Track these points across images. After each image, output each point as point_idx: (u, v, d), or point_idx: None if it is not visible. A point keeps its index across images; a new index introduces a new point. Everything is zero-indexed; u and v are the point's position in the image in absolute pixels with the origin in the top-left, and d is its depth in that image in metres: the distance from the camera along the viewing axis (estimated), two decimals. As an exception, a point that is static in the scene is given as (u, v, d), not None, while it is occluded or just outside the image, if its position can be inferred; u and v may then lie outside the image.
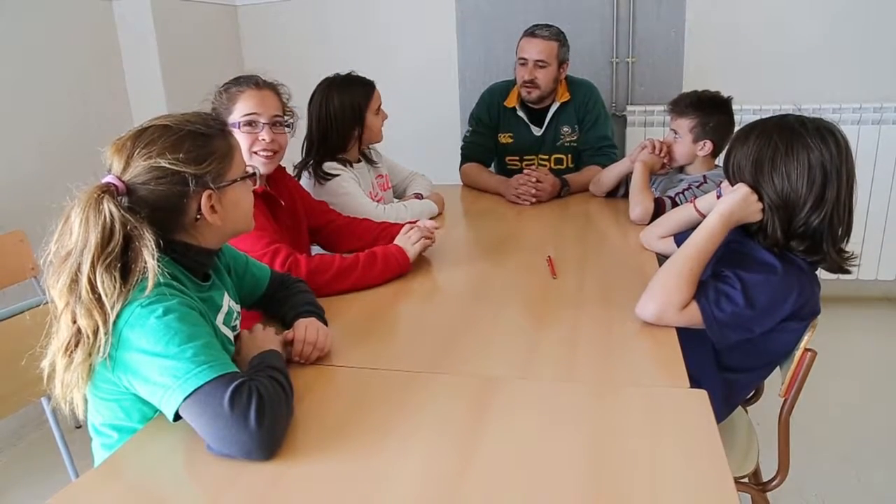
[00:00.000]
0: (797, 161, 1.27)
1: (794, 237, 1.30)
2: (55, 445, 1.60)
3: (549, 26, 2.53)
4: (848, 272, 1.34)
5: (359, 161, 2.24)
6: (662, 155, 2.15)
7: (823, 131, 1.28)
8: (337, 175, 2.07)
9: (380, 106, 2.19)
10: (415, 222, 1.80)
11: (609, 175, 2.40)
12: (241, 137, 1.55)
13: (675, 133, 2.12)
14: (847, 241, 1.33)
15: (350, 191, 2.08)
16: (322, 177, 2.07)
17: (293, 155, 2.00)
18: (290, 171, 1.99)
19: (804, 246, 1.29)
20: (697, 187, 2.06)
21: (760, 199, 1.31)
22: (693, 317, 1.26)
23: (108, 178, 1.03)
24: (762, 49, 3.06)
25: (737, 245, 1.39)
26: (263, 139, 1.61)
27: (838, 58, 3.02)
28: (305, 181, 2.11)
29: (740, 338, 1.29)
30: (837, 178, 1.26)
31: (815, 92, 3.01)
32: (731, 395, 1.46)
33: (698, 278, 1.30)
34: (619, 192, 2.41)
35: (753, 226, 1.34)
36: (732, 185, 1.37)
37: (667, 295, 1.27)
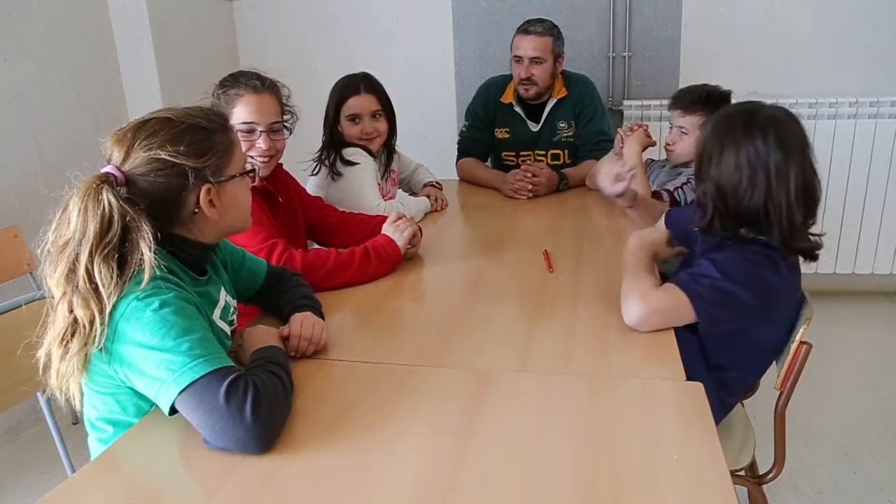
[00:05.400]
0: (735, 152, 1.29)
1: (738, 221, 1.31)
2: (52, 441, 1.60)
3: (541, 21, 2.52)
4: (812, 258, 1.34)
5: (375, 157, 2.25)
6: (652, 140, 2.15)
7: (767, 122, 1.29)
8: (357, 164, 2.10)
9: (357, 116, 2.14)
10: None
11: (600, 168, 2.38)
12: None
13: (683, 130, 2.07)
14: (811, 224, 1.32)
15: (364, 178, 2.10)
16: (337, 171, 2.11)
17: (294, 155, 2.00)
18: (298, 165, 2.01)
19: (753, 232, 1.31)
20: None
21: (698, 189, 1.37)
22: (676, 299, 1.25)
23: (108, 168, 1.03)
24: (758, 43, 3.06)
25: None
26: (260, 146, 1.61)
27: (835, 52, 3.02)
28: (323, 173, 2.15)
29: (731, 317, 1.28)
30: (774, 168, 1.26)
31: (812, 86, 3.01)
32: (725, 395, 1.46)
33: (651, 268, 1.35)
34: None
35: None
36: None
37: (637, 287, 1.29)
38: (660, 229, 1.54)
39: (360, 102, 2.14)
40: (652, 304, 1.25)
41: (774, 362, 1.45)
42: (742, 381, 1.50)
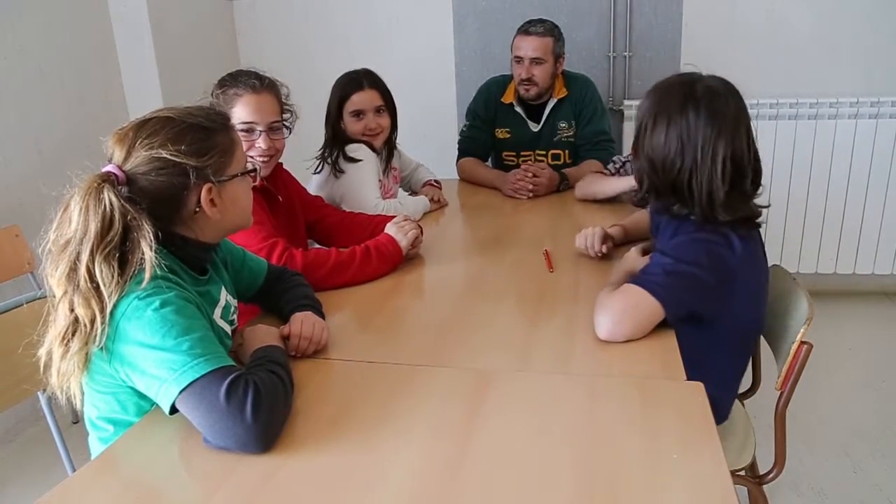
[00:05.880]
0: (667, 125, 1.29)
1: (669, 195, 1.32)
2: (52, 441, 1.60)
3: (542, 21, 2.52)
4: (755, 226, 1.34)
5: (378, 153, 2.26)
6: None
7: (703, 95, 1.29)
8: (360, 160, 2.10)
9: (360, 112, 2.13)
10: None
11: (607, 188, 2.27)
12: None
13: None
14: (741, 196, 1.31)
15: (365, 175, 2.10)
16: (340, 168, 2.10)
17: (294, 154, 2.00)
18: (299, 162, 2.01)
19: (684, 209, 1.31)
20: None
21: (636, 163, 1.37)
22: (633, 295, 1.24)
23: (109, 168, 1.03)
24: (759, 43, 3.06)
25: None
26: (260, 146, 1.61)
27: (835, 52, 3.02)
28: (326, 171, 2.15)
29: (693, 298, 1.27)
30: (707, 140, 1.27)
31: (813, 86, 3.01)
32: (722, 394, 1.44)
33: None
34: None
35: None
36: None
37: (598, 302, 1.28)
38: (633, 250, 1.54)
39: (364, 98, 2.14)
40: (614, 309, 1.24)
41: (775, 361, 1.45)
42: (725, 374, 1.45)
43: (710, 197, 1.28)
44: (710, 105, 1.28)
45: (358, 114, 2.14)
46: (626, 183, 2.20)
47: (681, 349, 1.35)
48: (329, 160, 2.14)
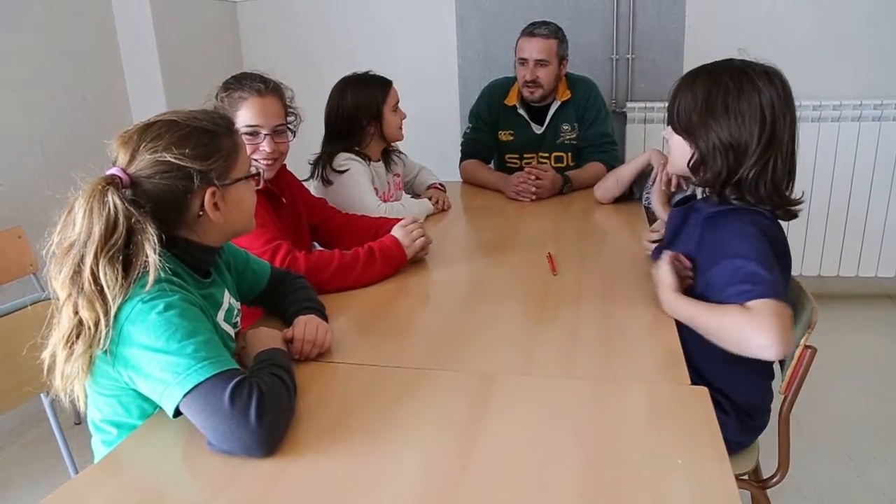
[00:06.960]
0: (749, 102, 1.27)
1: (734, 183, 1.28)
2: (55, 442, 1.60)
3: (546, 24, 2.52)
4: (795, 216, 1.34)
5: (378, 160, 2.27)
6: None
7: (771, 73, 1.30)
8: (345, 170, 2.09)
9: (397, 103, 2.22)
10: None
11: (624, 173, 2.23)
12: None
13: None
14: (791, 187, 1.32)
15: (358, 182, 2.09)
16: (327, 178, 2.10)
17: (297, 156, 2.01)
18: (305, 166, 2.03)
19: (737, 193, 1.29)
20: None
21: (698, 144, 1.30)
22: (775, 308, 1.13)
23: (113, 170, 1.03)
24: (762, 45, 3.02)
25: (708, 239, 1.34)
26: (264, 149, 1.61)
27: (839, 54, 3.02)
28: (314, 181, 2.16)
29: (785, 278, 1.27)
30: (783, 120, 1.26)
31: (815, 89, 3.00)
32: (746, 418, 1.40)
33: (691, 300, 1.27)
34: (635, 195, 2.29)
35: (699, 170, 1.32)
36: (676, 132, 1.36)
37: (738, 323, 1.16)
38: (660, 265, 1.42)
39: (396, 91, 2.22)
40: (770, 327, 1.11)
41: (780, 367, 1.44)
42: (760, 374, 1.40)
43: (791, 177, 1.26)
44: (781, 77, 1.29)
45: (396, 106, 2.21)
46: (643, 159, 2.17)
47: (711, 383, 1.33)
48: (318, 170, 2.14)
